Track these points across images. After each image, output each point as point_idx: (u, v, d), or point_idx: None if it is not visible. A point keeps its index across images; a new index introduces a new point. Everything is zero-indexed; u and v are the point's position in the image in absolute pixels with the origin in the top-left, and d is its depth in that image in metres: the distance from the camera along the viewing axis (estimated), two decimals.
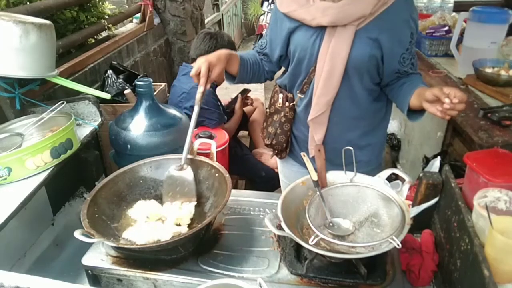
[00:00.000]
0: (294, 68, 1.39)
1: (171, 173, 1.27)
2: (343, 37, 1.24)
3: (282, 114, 1.47)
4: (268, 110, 1.55)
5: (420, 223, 1.11)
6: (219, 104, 2.28)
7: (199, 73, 1.22)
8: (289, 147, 1.54)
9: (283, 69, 1.51)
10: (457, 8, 2.73)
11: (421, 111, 1.24)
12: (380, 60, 1.29)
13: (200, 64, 1.22)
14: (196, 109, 1.23)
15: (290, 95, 1.45)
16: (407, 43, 1.28)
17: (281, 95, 1.47)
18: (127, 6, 3.31)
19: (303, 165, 1.28)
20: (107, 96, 1.68)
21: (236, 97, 2.60)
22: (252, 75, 1.46)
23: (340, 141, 1.38)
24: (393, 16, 1.24)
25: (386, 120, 1.51)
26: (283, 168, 1.67)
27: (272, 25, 1.42)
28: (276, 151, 1.57)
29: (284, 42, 1.37)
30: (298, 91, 1.41)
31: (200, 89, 1.23)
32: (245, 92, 2.70)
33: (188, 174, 1.27)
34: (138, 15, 3.08)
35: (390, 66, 1.30)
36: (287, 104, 1.45)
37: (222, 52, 1.30)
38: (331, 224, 1.09)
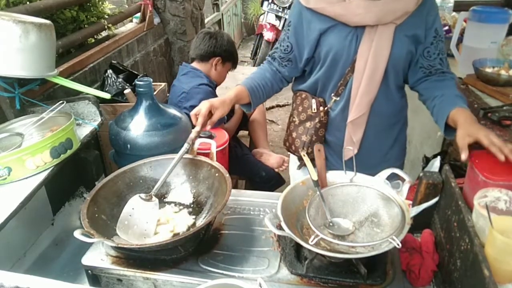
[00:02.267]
0: (327, 70, 1.35)
1: (134, 201, 1.20)
2: (385, 36, 1.24)
3: (317, 120, 1.41)
4: (296, 118, 1.47)
5: (420, 223, 1.11)
6: None
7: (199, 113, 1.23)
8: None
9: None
10: (457, 7, 2.72)
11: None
12: (412, 56, 1.30)
13: (202, 105, 1.25)
14: (185, 146, 1.24)
15: (321, 99, 1.41)
16: (431, 38, 1.29)
17: (313, 101, 1.41)
18: (127, 6, 3.31)
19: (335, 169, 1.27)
20: (107, 96, 1.68)
21: None
22: (266, 96, 1.45)
23: (376, 142, 1.40)
24: (423, 12, 1.25)
25: (406, 113, 1.52)
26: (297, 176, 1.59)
27: (296, 27, 1.36)
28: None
29: (314, 44, 1.33)
30: (333, 94, 1.37)
31: (196, 129, 1.24)
32: None
33: (153, 207, 1.20)
34: (138, 14, 3.08)
35: (422, 62, 1.32)
36: (321, 109, 1.41)
37: (227, 97, 1.32)
38: (331, 224, 1.09)
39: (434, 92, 1.32)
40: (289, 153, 1.61)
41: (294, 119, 1.48)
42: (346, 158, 1.30)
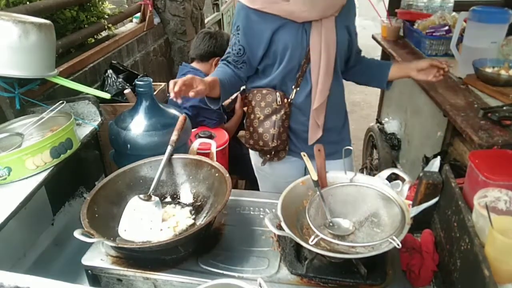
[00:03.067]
0: (286, 66, 1.43)
1: (134, 202, 1.20)
2: (330, 28, 1.39)
3: (283, 111, 1.49)
4: (259, 114, 1.51)
5: (420, 223, 1.11)
6: None
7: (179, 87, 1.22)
8: (288, 144, 1.58)
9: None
10: (457, 7, 2.72)
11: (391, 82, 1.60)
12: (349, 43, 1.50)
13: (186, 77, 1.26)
14: (169, 148, 1.30)
15: (282, 92, 1.49)
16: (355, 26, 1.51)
17: (278, 94, 1.48)
18: (127, 6, 3.30)
19: (295, 155, 1.54)
20: (107, 96, 1.68)
21: (236, 97, 2.60)
22: (230, 93, 1.53)
23: (333, 122, 1.58)
24: (350, 5, 1.45)
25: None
26: (282, 170, 1.66)
27: (245, 30, 1.42)
28: (274, 153, 1.58)
29: (267, 43, 1.41)
30: (293, 86, 1.47)
31: (175, 133, 1.35)
32: (245, 92, 2.69)
33: (154, 205, 1.21)
34: (138, 14, 3.08)
35: (354, 47, 1.54)
36: (285, 100, 1.48)
37: (207, 78, 1.39)
38: (331, 224, 1.10)
39: (364, 64, 1.63)
40: (252, 151, 1.68)
41: (257, 116, 1.53)
42: (311, 142, 1.53)
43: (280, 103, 1.48)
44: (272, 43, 1.41)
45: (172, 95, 1.21)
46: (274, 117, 1.49)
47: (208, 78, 1.39)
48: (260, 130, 1.52)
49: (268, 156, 1.60)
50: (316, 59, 1.41)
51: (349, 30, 1.48)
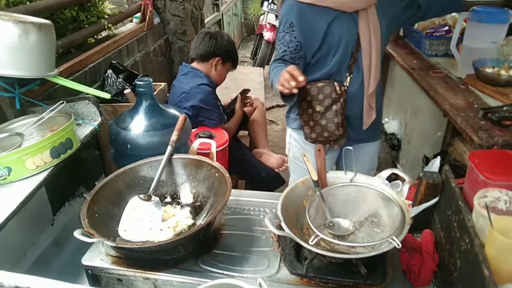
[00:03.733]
0: (341, 55, 1.52)
1: (134, 202, 1.20)
2: (375, 15, 1.49)
3: (342, 100, 1.54)
4: (319, 107, 1.56)
5: (420, 223, 1.11)
6: (219, 104, 2.28)
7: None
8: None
9: None
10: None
11: None
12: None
13: (291, 69, 1.32)
14: (169, 148, 1.31)
15: (338, 82, 1.54)
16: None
17: (335, 84, 1.53)
18: (127, 6, 3.30)
19: (360, 141, 1.66)
20: (107, 96, 1.68)
21: (236, 97, 2.60)
22: None
23: (380, 105, 1.67)
24: None
25: None
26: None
27: (300, 26, 1.47)
28: (333, 142, 1.63)
29: (322, 36, 1.48)
30: (347, 74, 1.54)
31: (175, 133, 1.37)
32: (244, 92, 2.69)
33: (154, 205, 1.21)
34: (138, 14, 3.08)
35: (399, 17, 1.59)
36: (342, 88, 1.55)
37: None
38: (331, 224, 1.10)
39: None
40: (315, 144, 1.64)
41: (316, 109, 1.57)
42: (366, 127, 1.63)
43: (339, 92, 1.53)
44: (327, 36, 1.48)
45: (294, 85, 1.29)
46: (335, 107, 1.54)
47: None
48: (323, 122, 1.57)
49: (327, 145, 1.64)
50: (366, 46, 1.49)
51: (384, 14, 1.52)
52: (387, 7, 1.53)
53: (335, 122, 1.55)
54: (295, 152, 1.80)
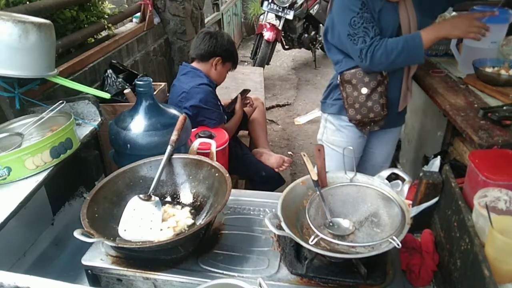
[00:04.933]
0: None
1: (134, 202, 1.20)
2: (411, 5, 1.62)
3: (386, 82, 1.68)
4: (365, 89, 1.67)
5: (420, 223, 1.11)
6: (219, 104, 2.28)
7: None
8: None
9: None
10: (457, 7, 2.72)
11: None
12: None
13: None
14: (169, 148, 1.32)
15: None
16: None
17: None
18: (127, 6, 3.31)
19: (389, 126, 1.83)
20: (107, 95, 1.68)
21: (236, 97, 2.60)
22: None
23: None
24: None
25: None
26: (350, 137, 1.86)
27: (364, 13, 1.58)
28: (373, 123, 1.77)
29: (375, 22, 1.60)
30: None
31: (175, 132, 1.39)
32: (244, 92, 2.69)
33: (154, 205, 1.20)
34: (138, 14, 3.08)
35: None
36: (385, 72, 1.67)
37: None
38: (331, 224, 1.09)
39: None
40: (358, 126, 1.80)
41: (362, 92, 1.68)
42: (401, 109, 1.79)
43: (384, 74, 1.66)
44: (378, 22, 1.60)
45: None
46: (379, 89, 1.67)
47: None
48: (369, 103, 1.69)
49: (368, 127, 1.79)
50: (407, 32, 1.62)
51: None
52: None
53: (381, 103, 1.68)
54: (329, 136, 1.93)
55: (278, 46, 5.70)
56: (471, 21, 1.54)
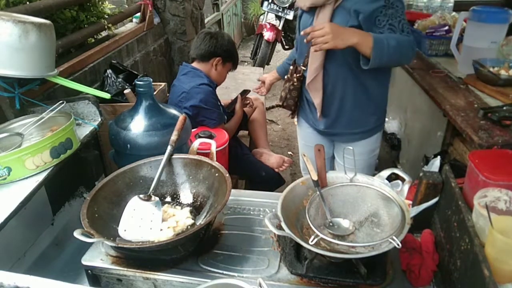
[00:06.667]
0: (299, 47, 1.75)
1: (134, 202, 1.20)
2: (323, 14, 1.55)
3: (291, 82, 1.78)
4: (285, 79, 1.85)
5: (420, 223, 1.11)
6: (219, 104, 2.28)
7: None
8: (297, 110, 1.90)
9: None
10: (457, 7, 2.73)
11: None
12: (360, 28, 1.48)
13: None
14: (169, 148, 1.33)
15: (299, 68, 1.74)
16: (380, 7, 1.46)
17: (291, 67, 1.79)
18: (127, 6, 3.31)
19: (313, 127, 1.85)
20: (107, 95, 1.68)
21: (236, 98, 2.60)
22: None
23: (335, 105, 1.70)
24: None
25: (378, 81, 1.67)
26: (300, 131, 2.02)
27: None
28: (290, 112, 1.92)
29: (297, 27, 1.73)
30: (301, 64, 1.72)
31: (175, 132, 1.41)
32: (244, 92, 2.69)
33: (154, 205, 1.20)
34: (138, 14, 3.08)
35: (368, 30, 1.48)
36: (295, 75, 1.76)
37: None
38: (331, 224, 1.09)
39: None
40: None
41: (287, 77, 1.83)
42: (319, 116, 1.75)
43: (290, 75, 1.79)
44: (298, 27, 1.72)
45: None
46: (286, 84, 1.82)
47: None
48: (283, 93, 1.86)
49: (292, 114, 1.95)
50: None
51: (358, 15, 1.47)
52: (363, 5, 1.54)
53: (282, 95, 1.86)
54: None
55: (278, 46, 5.69)
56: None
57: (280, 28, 5.26)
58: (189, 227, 1.20)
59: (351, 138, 1.76)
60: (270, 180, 2.42)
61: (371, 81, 1.63)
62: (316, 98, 1.68)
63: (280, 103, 1.89)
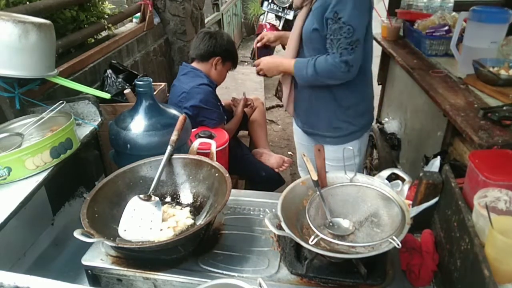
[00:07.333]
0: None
1: (134, 202, 1.20)
2: (300, 15, 1.66)
3: (283, 74, 1.83)
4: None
5: (420, 223, 1.11)
6: (219, 104, 2.28)
7: None
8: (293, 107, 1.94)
9: None
10: (457, 7, 2.72)
11: None
12: (323, 34, 1.56)
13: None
14: (169, 148, 1.33)
15: None
16: (330, 19, 1.51)
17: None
18: (127, 6, 3.31)
19: (297, 124, 1.95)
20: (107, 95, 1.68)
21: (236, 98, 2.61)
22: None
23: (305, 104, 1.79)
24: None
25: (346, 86, 1.67)
26: (294, 128, 2.08)
27: None
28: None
29: None
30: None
31: (175, 133, 1.43)
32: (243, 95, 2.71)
33: (154, 205, 1.21)
34: (138, 14, 3.08)
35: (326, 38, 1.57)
36: None
37: None
38: (331, 224, 1.09)
39: None
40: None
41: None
42: (287, 109, 1.94)
43: None
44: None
45: None
46: (280, 75, 1.86)
47: None
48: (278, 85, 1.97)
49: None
50: (290, 37, 1.74)
51: (322, 21, 1.54)
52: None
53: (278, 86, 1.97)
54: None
55: (278, 46, 5.69)
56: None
57: (280, 28, 5.26)
58: (189, 227, 1.20)
59: (322, 141, 1.78)
60: (270, 180, 2.42)
61: (337, 86, 1.66)
62: (284, 92, 1.84)
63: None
